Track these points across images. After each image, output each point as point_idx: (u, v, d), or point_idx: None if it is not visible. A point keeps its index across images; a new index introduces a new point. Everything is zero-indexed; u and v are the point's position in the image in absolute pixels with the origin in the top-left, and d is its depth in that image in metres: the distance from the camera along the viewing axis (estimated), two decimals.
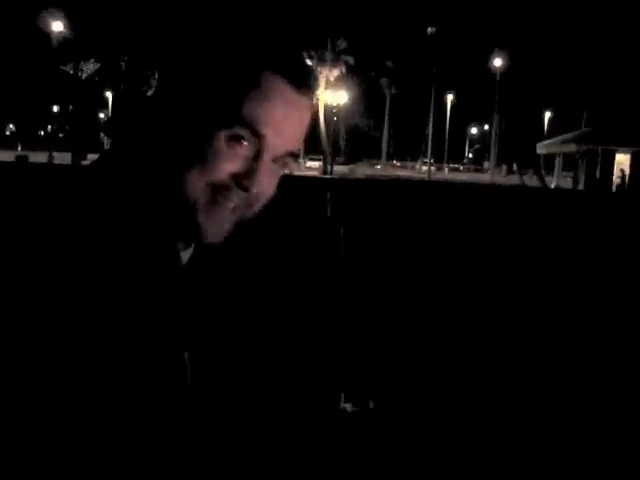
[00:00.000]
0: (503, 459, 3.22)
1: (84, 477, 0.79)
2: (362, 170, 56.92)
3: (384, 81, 66.93)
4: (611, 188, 35.28)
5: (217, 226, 0.91)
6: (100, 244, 0.83)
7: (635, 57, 42.48)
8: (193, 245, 0.97)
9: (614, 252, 10.68)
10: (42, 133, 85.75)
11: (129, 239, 0.86)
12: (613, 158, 36.40)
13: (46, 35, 48.33)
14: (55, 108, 71.50)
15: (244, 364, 1.02)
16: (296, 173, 32.86)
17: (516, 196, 27.39)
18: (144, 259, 0.87)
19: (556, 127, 54.21)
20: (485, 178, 55.13)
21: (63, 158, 41.57)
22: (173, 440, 0.87)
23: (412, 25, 58.81)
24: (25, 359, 0.77)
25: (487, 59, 55.24)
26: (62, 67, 56.25)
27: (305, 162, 56.64)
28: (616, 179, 35.46)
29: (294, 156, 0.96)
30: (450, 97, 67.42)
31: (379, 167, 69.70)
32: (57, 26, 47.19)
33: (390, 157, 78.40)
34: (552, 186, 41.58)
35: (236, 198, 0.90)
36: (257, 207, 0.93)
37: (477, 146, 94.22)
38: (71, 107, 57.86)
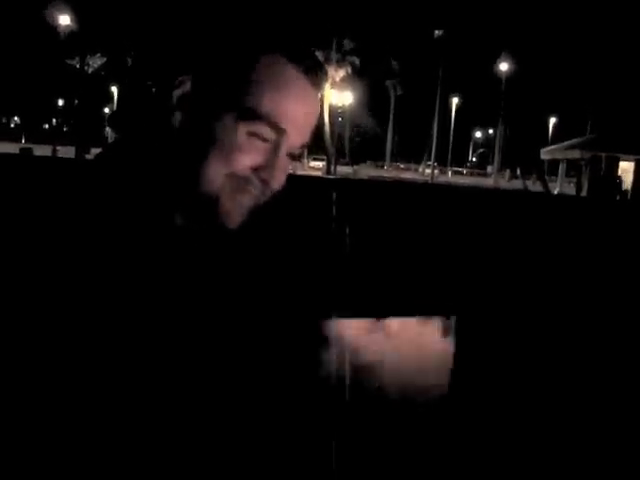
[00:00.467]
0: (502, 458, 3.22)
1: (84, 477, 0.79)
2: (366, 171, 56.92)
3: (389, 83, 66.93)
4: (614, 195, 35.27)
5: (237, 213, 0.93)
6: (107, 235, 0.83)
7: None
8: (199, 236, 0.98)
9: (617, 258, 10.68)
10: (47, 126, 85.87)
11: (136, 230, 0.86)
12: (617, 165, 36.39)
13: (53, 29, 48.39)
14: (60, 102, 71.56)
15: (245, 358, 1.02)
16: (299, 172, 32.87)
17: (519, 201, 27.37)
18: (151, 249, 0.87)
19: (560, 133, 54.23)
20: (488, 182, 55.12)
21: (67, 152, 41.60)
22: (174, 436, 0.86)
23: (419, 27, 58.81)
24: (27, 352, 0.77)
25: (493, 63, 55.24)
26: (68, 61, 56.30)
27: (309, 162, 56.66)
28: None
29: (300, 151, 0.98)
30: (455, 100, 67.44)
31: (384, 169, 69.71)
32: (64, 20, 47.25)
33: (394, 159, 78.40)
34: (555, 192, 41.59)
35: (255, 189, 0.93)
36: (268, 196, 0.95)
37: (481, 150, 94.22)
38: (76, 101, 57.92)
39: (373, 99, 64.89)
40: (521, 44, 50.93)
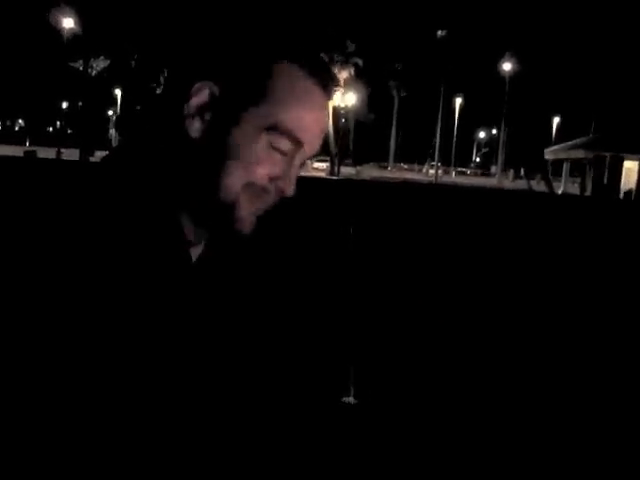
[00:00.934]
0: (501, 458, 3.22)
1: (84, 477, 0.79)
2: (369, 172, 56.89)
3: (393, 83, 66.89)
4: (619, 195, 35.20)
5: (252, 220, 0.94)
6: (110, 239, 0.83)
7: None
8: (203, 242, 0.98)
9: (620, 258, 10.66)
10: (51, 129, 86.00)
11: (140, 236, 0.86)
12: (621, 165, 36.31)
13: (56, 31, 48.49)
14: (64, 104, 71.68)
15: (247, 359, 1.02)
16: (302, 174, 32.82)
17: (523, 201, 27.35)
18: (154, 255, 0.87)
19: (564, 133, 54.13)
20: (492, 182, 55.05)
21: (71, 154, 41.68)
22: (175, 438, 0.87)
23: (422, 28, 58.75)
24: (29, 356, 0.77)
25: (497, 63, 55.18)
26: (72, 64, 56.38)
27: (312, 163, 56.63)
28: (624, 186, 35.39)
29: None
30: (459, 100, 67.38)
31: (388, 169, 69.66)
32: (68, 22, 47.35)
33: (398, 159, 78.36)
34: (559, 192, 41.51)
35: (271, 198, 0.94)
36: (275, 200, 0.97)
37: (485, 150, 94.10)
38: (80, 104, 57.99)
39: (376, 100, 64.89)
40: (524, 44, 50.86)
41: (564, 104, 54.88)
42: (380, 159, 75.84)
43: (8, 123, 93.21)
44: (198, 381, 0.91)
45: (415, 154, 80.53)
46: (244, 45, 0.93)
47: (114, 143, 56.12)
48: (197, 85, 0.92)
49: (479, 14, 56.80)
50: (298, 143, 0.93)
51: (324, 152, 55.69)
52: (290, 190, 0.94)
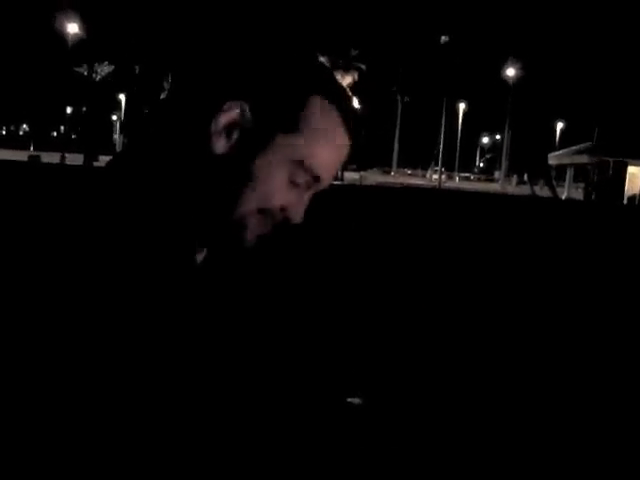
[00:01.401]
0: (501, 458, 3.21)
1: (84, 477, 0.79)
2: (373, 177, 56.93)
3: (396, 89, 67.00)
4: (623, 200, 35.19)
5: (256, 239, 0.95)
6: (114, 243, 0.83)
7: None
8: (215, 253, 0.99)
9: (624, 263, 10.65)
10: (55, 134, 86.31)
11: (144, 239, 0.86)
12: (625, 170, 36.31)
13: (61, 37, 48.67)
14: (68, 109, 71.90)
15: (252, 361, 1.02)
16: None
17: (526, 206, 27.33)
18: (159, 258, 0.87)
19: (568, 138, 54.17)
20: (496, 188, 55.05)
21: (75, 159, 41.78)
22: (178, 440, 0.87)
23: (426, 33, 58.87)
24: (32, 358, 0.77)
25: (500, 69, 55.23)
26: (76, 69, 56.60)
27: None
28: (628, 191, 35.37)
29: None
30: (462, 106, 67.43)
31: (391, 174, 69.69)
32: (72, 28, 47.53)
33: (401, 164, 78.41)
34: (563, 197, 41.50)
35: (279, 224, 0.95)
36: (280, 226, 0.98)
37: (488, 155, 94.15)
38: (84, 109, 58.20)
39: (380, 105, 64.96)
40: (528, 49, 50.92)
41: (568, 109, 54.95)
42: (383, 164, 75.89)
43: (12, 128, 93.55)
44: (203, 383, 0.90)
45: (418, 159, 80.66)
46: (282, 72, 0.92)
47: (118, 148, 56.20)
48: (229, 103, 0.90)
49: (483, 19, 56.92)
50: (317, 179, 0.94)
51: None
52: (298, 220, 0.94)
